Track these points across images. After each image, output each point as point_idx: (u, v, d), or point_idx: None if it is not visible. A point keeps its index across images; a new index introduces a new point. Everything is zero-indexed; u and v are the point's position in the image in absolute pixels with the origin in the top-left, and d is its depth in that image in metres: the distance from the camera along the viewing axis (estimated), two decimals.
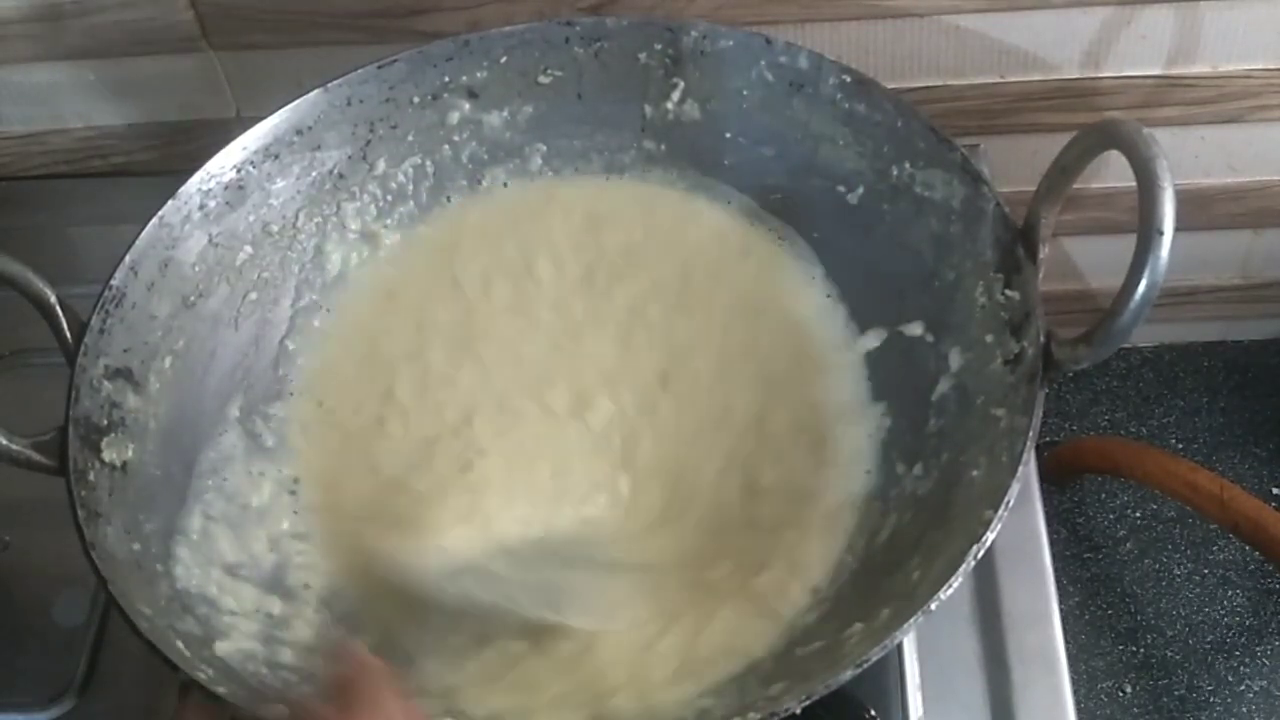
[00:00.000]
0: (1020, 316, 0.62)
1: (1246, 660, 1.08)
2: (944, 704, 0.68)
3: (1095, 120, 0.59)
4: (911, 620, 0.54)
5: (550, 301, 0.76)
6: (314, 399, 0.73)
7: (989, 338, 0.64)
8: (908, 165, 0.70)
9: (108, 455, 0.62)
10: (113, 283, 0.65)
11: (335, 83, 0.73)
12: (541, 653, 0.63)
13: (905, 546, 0.62)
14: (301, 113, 0.72)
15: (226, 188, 0.70)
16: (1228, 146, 0.98)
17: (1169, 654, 1.09)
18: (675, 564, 0.67)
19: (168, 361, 0.68)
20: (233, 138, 0.71)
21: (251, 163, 0.71)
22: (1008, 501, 0.56)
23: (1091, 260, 1.07)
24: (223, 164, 0.70)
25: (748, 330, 0.74)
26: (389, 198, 0.77)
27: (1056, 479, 1.16)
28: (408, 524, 0.68)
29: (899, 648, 0.68)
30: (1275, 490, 1.16)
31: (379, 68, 0.73)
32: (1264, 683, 1.07)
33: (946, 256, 0.68)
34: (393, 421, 0.72)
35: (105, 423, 0.63)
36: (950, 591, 0.54)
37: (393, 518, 0.69)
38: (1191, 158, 0.98)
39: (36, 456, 0.60)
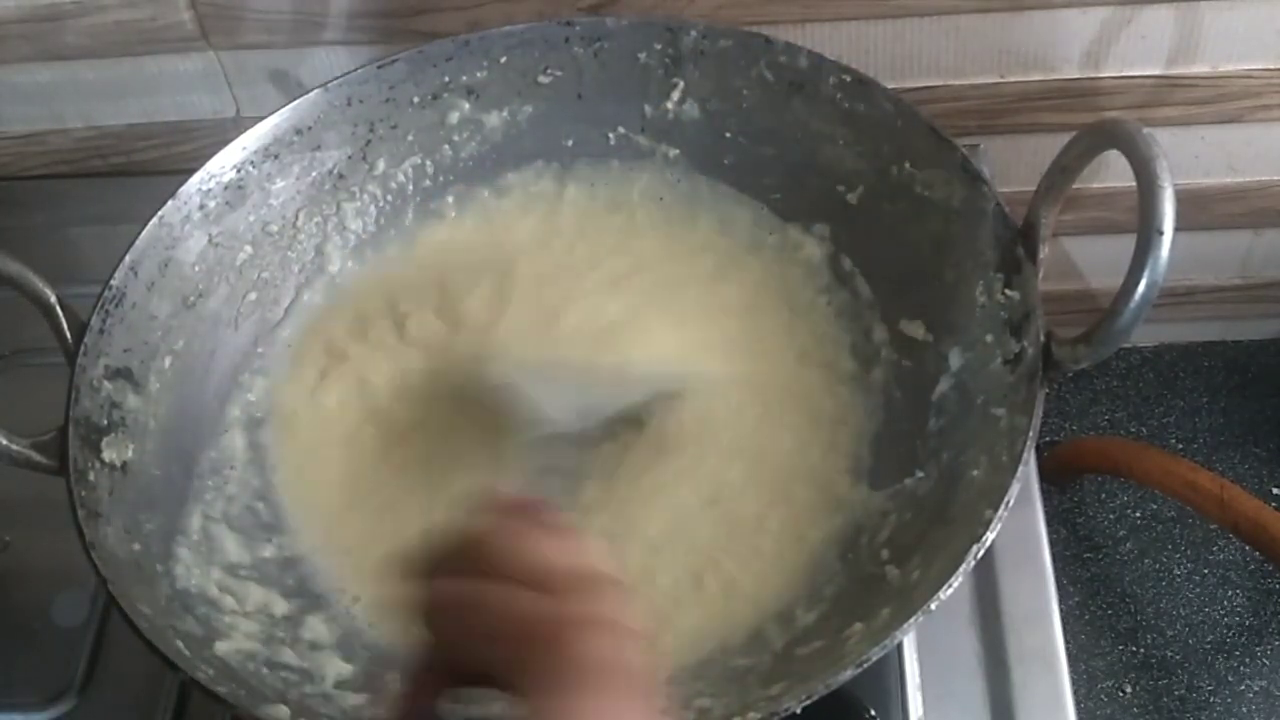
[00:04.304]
0: (1020, 316, 0.62)
1: (1246, 660, 1.08)
2: (944, 704, 0.67)
3: (1095, 120, 0.59)
4: (912, 620, 0.54)
5: (549, 302, 0.76)
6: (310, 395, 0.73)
7: (989, 337, 0.64)
8: (907, 165, 0.70)
9: (108, 455, 0.62)
10: (113, 283, 0.65)
11: (335, 83, 0.73)
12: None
13: (905, 546, 0.62)
14: (301, 113, 0.72)
15: (226, 188, 0.70)
16: (1228, 146, 0.98)
17: (1169, 654, 1.09)
18: None
19: (168, 361, 0.68)
20: (233, 138, 0.71)
21: (251, 163, 0.71)
22: (1008, 501, 0.56)
23: (1091, 260, 1.07)
24: (223, 164, 0.70)
25: (748, 328, 0.74)
26: (389, 198, 0.77)
27: (1056, 479, 1.16)
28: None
29: (899, 648, 0.68)
30: (1275, 490, 1.16)
31: (379, 68, 0.73)
32: (1264, 683, 1.07)
33: (946, 256, 0.68)
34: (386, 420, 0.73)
35: (105, 423, 0.63)
36: (950, 591, 0.54)
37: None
38: (1191, 158, 0.98)
39: (36, 456, 0.60)
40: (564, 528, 0.45)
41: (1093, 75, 0.91)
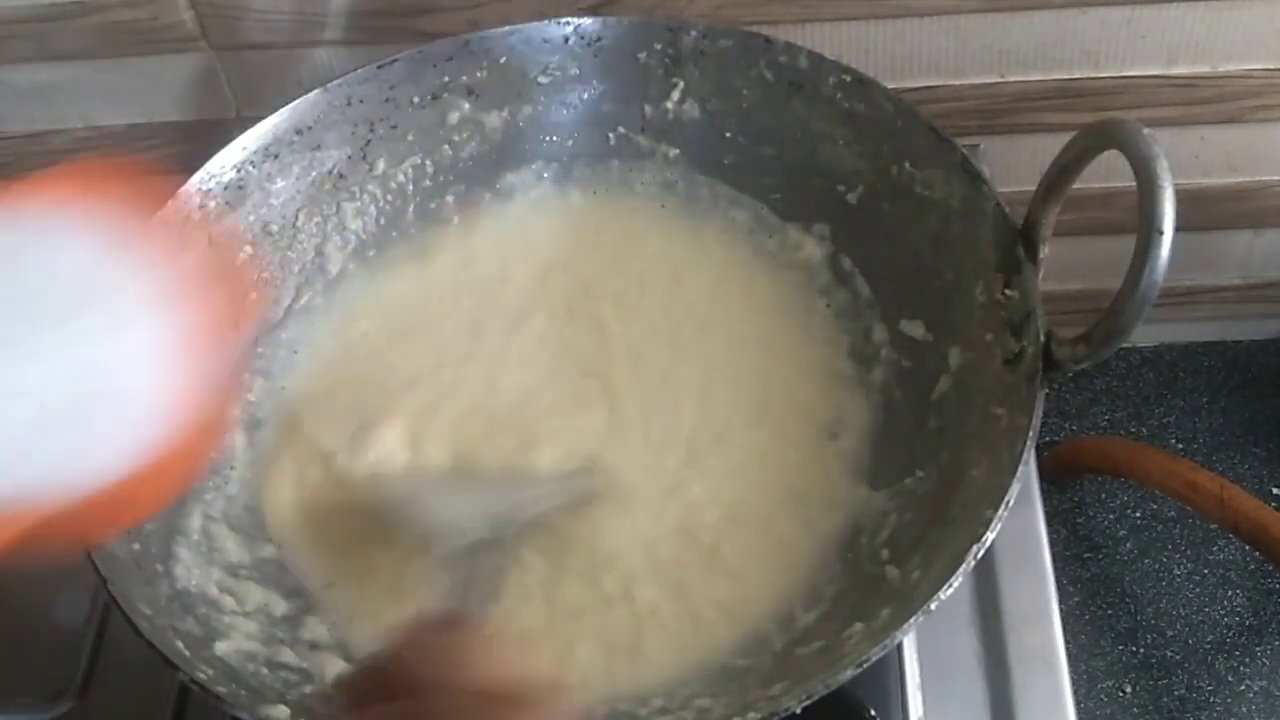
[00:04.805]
0: (1020, 316, 0.62)
1: (1246, 660, 1.08)
2: (944, 704, 0.67)
3: (1095, 120, 0.59)
4: (911, 620, 0.54)
5: (552, 307, 0.76)
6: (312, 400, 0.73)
7: (989, 337, 0.64)
8: (907, 165, 0.70)
9: None
10: None
11: (335, 83, 0.73)
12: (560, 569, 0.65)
13: (905, 546, 0.62)
14: (301, 113, 0.72)
15: (226, 188, 0.70)
16: (1228, 146, 0.98)
17: (1169, 654, 1.09)
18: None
19: None
20: (233, 138, 0.71)
21: (251, 163, 0.71)
22: (1008, 501, 0.56)
23: (1091, 260, 1.07)
24: (223, 164, 0.70)
25: (747, 330, 0.74)
26: (389, 198, 0.77)
27: (1056, 479, 1.16)
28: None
29: (899, 648, 0.68)
30: (1275, 490, 1.16)
31: (379, 68, 0.73)
32: (1264, 683, 1.07)
33: (946, 256, 0.68)
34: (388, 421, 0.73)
35: None
36: (950, 591, 0.54)
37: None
38: (1191, 158, 0.98)
39: None
40: (491, 637, 0.44)
41: (1093, 75, 0.91)
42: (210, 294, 0.41)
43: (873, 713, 0.65)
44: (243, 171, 0.71)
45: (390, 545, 0.66)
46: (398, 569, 0.66)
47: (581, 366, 0.74)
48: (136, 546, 0.61)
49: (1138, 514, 1.16)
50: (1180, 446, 1.18)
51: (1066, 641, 0.70)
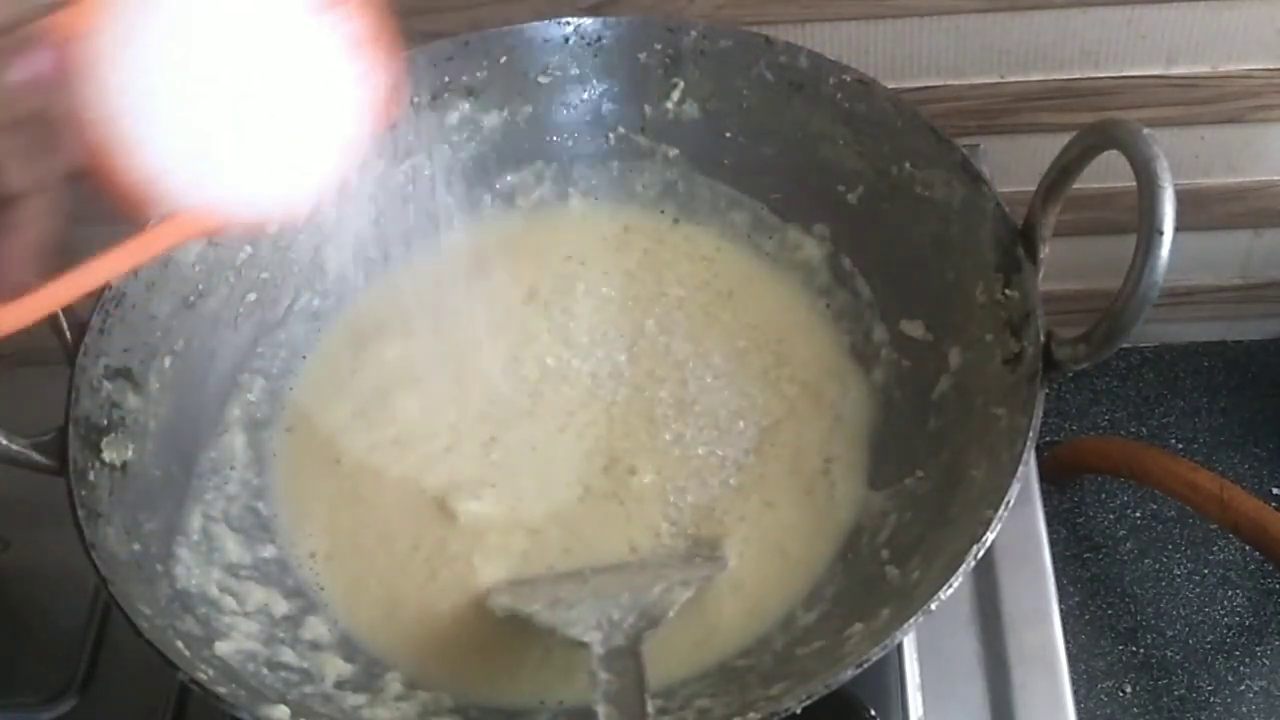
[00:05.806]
0: (1020, 316, 0.62)
1: (1246, 660, 1.08)
2: (944, 704, 0.67)
3: (1095, 120, 0.59)
4: (911, 620, 0.54)
5: (551, 306, 0.76)
6: (312, 399, 0.73)
7: (989, 337, 0.64)
8: (907, 165, 0.70)
9: (108, 455, 0.62)
10: (113, 283, 0.65)
11: None
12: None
13: (905, 546, 0.62)
14: None
15: None
16: (1228, 146, 0.98)
17: (1169, 654, 1.09)
18: None
19: (168, 361, 0.68)
20: None
21: None
22: (1008, 501, 0.56)
23: (1091, 260, 1.07)
24: None
25: (747, 330, 0.74)
26: (387, 198, 0.77)
27: (1056, 479, 1.16)
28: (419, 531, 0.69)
29: (899, 648, 0.68)
30: (1275, 490, 1.16)
31: None
32: (1264, 683, 1.07)
33: (946, 256, 0.68)
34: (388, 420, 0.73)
35: (105, 423, 0.63)
36: (950, 591, 0.54)
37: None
38: (1191, 158, 0.98)
39: (36, 456, 0.60)
40: None
41: (1093, 75, 0.91)
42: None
43: (873, 713, 0.65)
44: None
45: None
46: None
47: (582, 373, 0.74)
48: (136, 546, 0.61)
49: (1138, 514, 1.16)
50: (1180, 446, 1.19)
51: (1066, 641, 0.70)
